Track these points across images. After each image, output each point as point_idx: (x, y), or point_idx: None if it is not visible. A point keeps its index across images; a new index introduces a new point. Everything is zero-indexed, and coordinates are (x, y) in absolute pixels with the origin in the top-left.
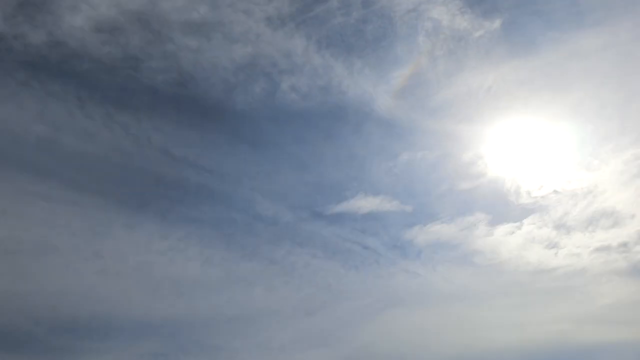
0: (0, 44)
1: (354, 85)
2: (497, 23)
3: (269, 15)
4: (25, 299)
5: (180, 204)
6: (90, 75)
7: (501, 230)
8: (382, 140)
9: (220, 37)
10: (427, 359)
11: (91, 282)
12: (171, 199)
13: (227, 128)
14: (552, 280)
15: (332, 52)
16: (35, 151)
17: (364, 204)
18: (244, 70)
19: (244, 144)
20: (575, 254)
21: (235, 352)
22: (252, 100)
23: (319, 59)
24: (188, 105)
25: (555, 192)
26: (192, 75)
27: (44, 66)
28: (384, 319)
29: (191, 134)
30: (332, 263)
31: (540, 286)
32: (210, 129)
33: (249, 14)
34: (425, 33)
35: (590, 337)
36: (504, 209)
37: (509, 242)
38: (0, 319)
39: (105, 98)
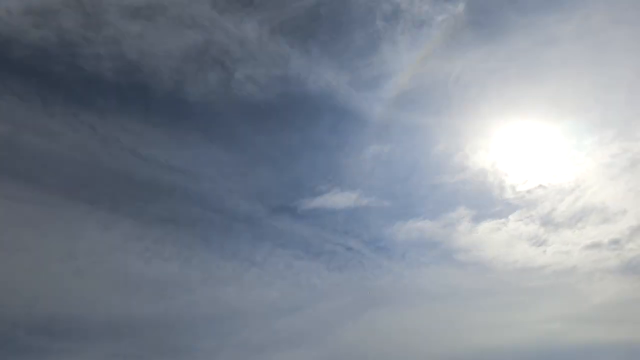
0: None
1: (313, 75)
2: (460, 7)
3: None
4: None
5: (154, 204)
6: (24, 62)
7: (486, 226)
8: (348, 132)
9: (165, 22)
10: None
11: (66, 283)
12: (144, 199)
13: (187, 122)
14: (541, 279)
15: (287, 39)
16: None
17: (341, 199)
18: (194, 59)
19: (211, 140)
20: (565, 251)
21: (212, 352)
22: (206, 92)
23: (273, 46)
24: (136, 96)
25: (540, 186)
26: (137, 63)
27: None
28: (367, 319)
29: (143, 127)
30: (315, 264)
31: (529, 285)
32: (165, 123)
33: None
34: (383, 17)
35: (582, 337)
36: (488, 204)
37: (494, 239)
38: None
39: (41, 86)
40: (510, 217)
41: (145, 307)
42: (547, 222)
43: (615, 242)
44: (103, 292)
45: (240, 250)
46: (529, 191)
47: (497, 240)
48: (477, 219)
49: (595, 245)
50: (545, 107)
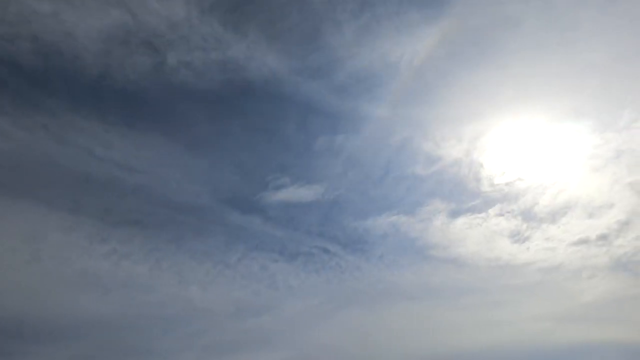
0: None
1: (254, 61)
2: None
3: None
4: None
5: (117, 205)
6: None
7: (464, 221)
8: (300, 122)
9: (80, 1)
10: None
11: (32, 285)
12: (106, 200)
13: (119, 112)
14: (526, 277)
15: (220, 20)
16: None
17: (307, 193)
18: (119, 42)
19: (156, 133)
20: (550, 248)
21: (179, 352)
22: (136, 78)
23: (205, 28)
24: (57, 83)
25: (519, 179)
26: (54, 45)
27: None
28: (341, 319)
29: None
30: (290, 266)
31: (513, 283)
32: (94, 113)
33: None
34: None
35: (571, 336)
36: (465, 197)
37: (474, 234)
38: None
39: None
40: (490, 211)
41: (114, 308)
42: (529, 217)
43: (603, 237)
44: (70, 294)
45: (212, 252)
46: (507, 184)
47: (476, 236)
48: (454, 214)
49: (582, 242)
50: (513, 93)
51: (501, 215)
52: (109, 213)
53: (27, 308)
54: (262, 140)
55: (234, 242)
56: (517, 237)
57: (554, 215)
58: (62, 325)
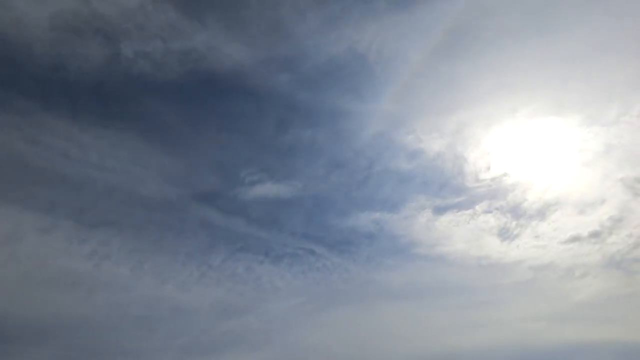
0: None
1: (216, 51)
2: None
3: None
4: None
5: (94, 206)
6: None
7: (450, 218)
8: (268, 117)
9: None
10: None
11: (11, 286)
12: (82, 201)
13: (74, 105)
14: (516, 275)
15: (176, 7)
16: None
17: (284, 189)
18: (70, 30)
19: (122, 129)
20: (541, 246)
21: (157, 352)
22: (91, 69)
23: (161, 15)
24: (4, 74)
25: (505, 174)
26: (1, 34)
27: None
28: (325, 319)
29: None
30: (272, 266)
31: (503, 282)
32: (46, 106)
33: None
34: None
35: (564, 337)
36: (450, 193)
37: (461, 232)
38: None
39: None
40: (477, 207)
41: (95, 309)
42: (518, 213)
43: (596, 235)
44: (50, 295)
45: (195, 253)
46: (493, 179)
47: (464, 234)
48: (439, 210)
49: (574, 239)
50: (493, 84)
51: (489, 212)
52: (87, 214)
53: (7, 309)
54: (233, 135)
55: (218, 243)
56: (506, 234)
57: (544, 212)
58: (42, 326)
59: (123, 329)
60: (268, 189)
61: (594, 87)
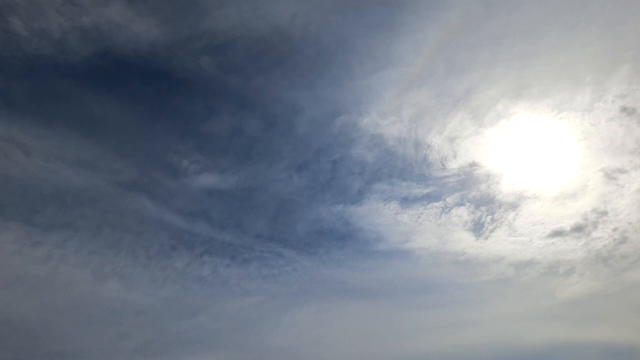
0: None
1: (122, 29)
2: None
3: None
4: None
5: (45, 208)
6: None
7: (419, 211)
8: (194, 103)
9: None
10: None
11: None
12: (30, 202)
13: None
14: (495, 273)
15: None
16: None
17: (230, 179)
18: None
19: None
20: (521, 241)
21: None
22: None
23: None
24: None
25: (474, 164)
26: None
27: None
28: (289, 320)
29: None
30: (245, 270)
31: (480, 279)
32: None
33: None
34: None
35: (548, 336)
36: (417, 184)
37: (432, 226)
38: None
39: None
40: (448, 199)
41: (47, 311)
42: (493, 206)
43: (579, 229)
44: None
45: (156, 257)
46: (461, 168)
47: (435, 228)
48: (406, 202)
49: (556, 234)
50: (440, 60)
51: (461, 204)
52: (38, 216)
53: None
54: (161, 122)
55: (180, 246)
56: (481, 229)
57: (521, 205)
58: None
59: (69, 330)
60: (215, 180)
61: (561, 71)
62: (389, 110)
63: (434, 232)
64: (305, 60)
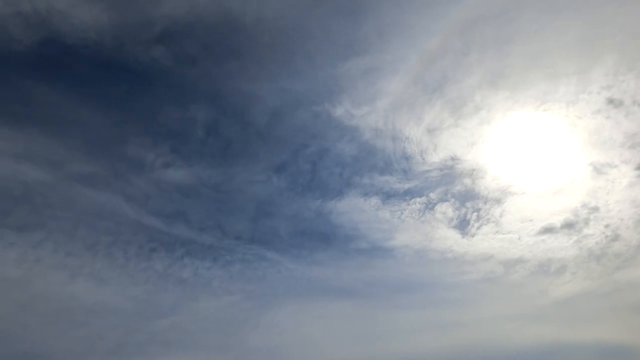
0: None
1: (60, 13)
2: None
3: None
4: None
5: (15, 209)
6: None
7: (402, 207)
8: (151, 96)
9: None
10: None
11: None
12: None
13: None
14: (483, 271)
15: None
16: None
17: (194, 172)
18: None
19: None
20: (509, 238)
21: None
22: None
23: None
24: None
25: (454, 159)
26: None
27: None
28: (269, 320)
29: None
30: (224, 270)
31: (468, 278)
32: None
33: None
34: None
35: (540, 337)
36: (398, 179)
37: (416, 222)
38: None
39: None
40: (431, 195)
41: (20, 312)
42: (478, 202)
43: (570, 225)
44: None
45: (133, 259)
46: (444, 162)
47: (419, 225)
48: (388, 197)
49: (546, 231)
50: (406, 47)
51: (445, 200)
52: (9, 217)
53: None
54: (114, 113)
55: (159, 248)
56: (468, 226)
57: (508, 200)
58: None
59: (41, 331)
60: (183, 174)
61: (540, 59)
62: (362, 100)
63: (418, 229)
64: (264, 49)
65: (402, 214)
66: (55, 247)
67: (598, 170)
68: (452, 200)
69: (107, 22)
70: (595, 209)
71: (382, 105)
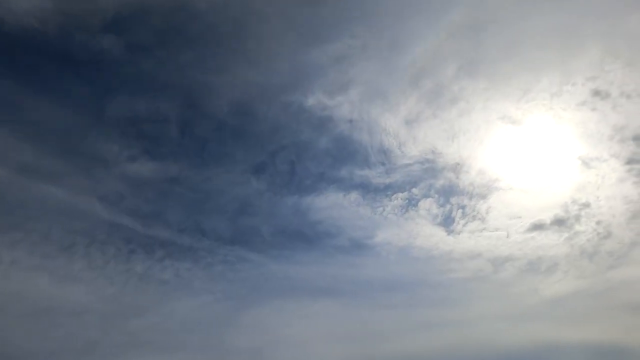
0: None
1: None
2: None
3: None
4: None
5: None
6: None
7: (383, 202)
8: (105, 87)
9: None
10: None
11: None
12: None
13: None
14: (471, 269)
15: None
16: None
17: (162, 167)
18: None
19: None
20: (497, 236)
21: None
22: None
23: None
24: None
25: (435, 152)
26: None
27: None
28: (246, 320)
29: None
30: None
31: (455, 276)
32: None
33: None
34: None
35: (531, 337)
36: (378, 173)
37: (399, 219)
38: None
39: None
40: (414, 190)
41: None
42: (463, 198)
43: (560, 222)
44: None
45: (113, 261)
46: (422, 154)
47: (403, 221)
48: (368, 191)
49: (536, 227)
50: (377, 32)
51: (428, 196)
52: None
53: None
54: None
55: (138, 250)
56: (453, 224)
57: (494, 197)
58: None
59: (15, 331)
60: (151, 167)
61: (518, 47)
62: (334, 89)
63: (400, 226)
64: (221, 37)
65: (384, 210)
66: (32, 249)
67: (587, 164)
68: (436, 196)
69: (50, 10)
70: (586, 205)
71: (356, 94)
